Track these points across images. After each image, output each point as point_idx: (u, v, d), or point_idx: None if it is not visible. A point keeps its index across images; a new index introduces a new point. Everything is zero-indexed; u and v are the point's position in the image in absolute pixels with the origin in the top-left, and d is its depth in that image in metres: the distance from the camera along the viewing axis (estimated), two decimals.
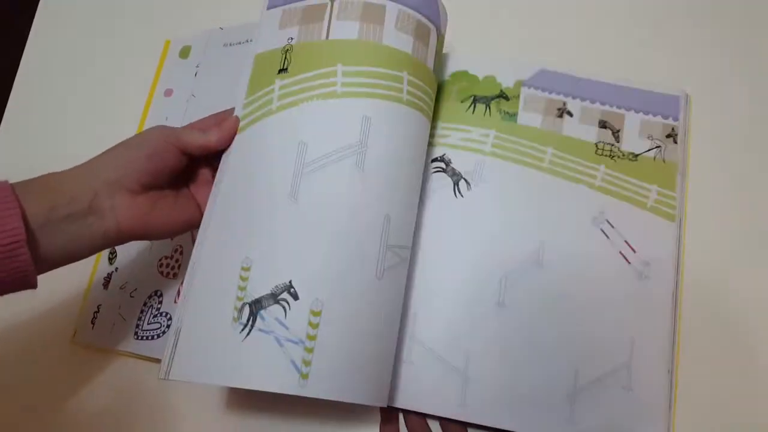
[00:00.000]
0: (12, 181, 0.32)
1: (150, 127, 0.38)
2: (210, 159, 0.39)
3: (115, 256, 0.48)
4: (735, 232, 0.39)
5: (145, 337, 0.43)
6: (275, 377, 0.31)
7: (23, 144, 0.57)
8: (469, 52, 0.45)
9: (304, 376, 0.31)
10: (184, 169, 0.38)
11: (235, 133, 0.37)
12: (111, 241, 0.35)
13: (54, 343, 0.48)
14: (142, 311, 0.44)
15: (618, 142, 0.41)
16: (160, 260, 0.45)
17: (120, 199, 0.34)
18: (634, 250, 0.38)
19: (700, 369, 0.37)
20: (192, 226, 0.38)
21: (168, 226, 0.37)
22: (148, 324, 0.44)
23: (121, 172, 0.34)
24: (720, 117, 0.41)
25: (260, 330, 0.32)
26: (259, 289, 0.33)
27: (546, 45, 0.46)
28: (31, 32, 0.62)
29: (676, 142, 0.40)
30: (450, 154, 0.42)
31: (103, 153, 0.36)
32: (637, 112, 0.41)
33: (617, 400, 0.35)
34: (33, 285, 0.32)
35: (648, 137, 0.41)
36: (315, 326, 0.32)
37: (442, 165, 0.42)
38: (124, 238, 0.35)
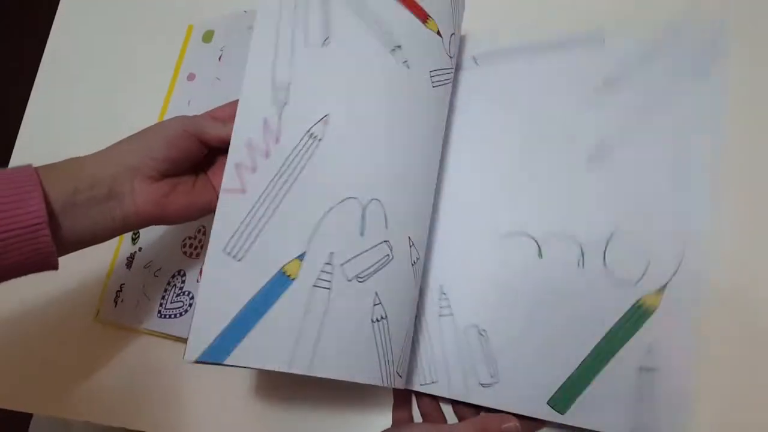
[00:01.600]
0: (36, 164, 0.33)
1: (171, 117, 0.38)
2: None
3: (138, 236, 0.49)
4: (763, 222, 0.38)
5: (168, 316, 0.44)
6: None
7: (47, 127, 0.58)
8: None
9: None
10: (203, 157, 0.38)
11: None
12: (130, 225, 0.36)
13: (77, 321, 0.49)
14: (165, 290, 0.45)
15: None
16: (183, 240, 0.46)
17: (139, 184, 0.35)
18: None
19: (725, 360, 0.35)
20: (209, 210, 0.38)
21: (185, 211, 0.37)
22: (171, 303, 0.44)
23: (141, 158, 0.35)
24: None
25: None
26: None
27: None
28: (56, 17, 0.63)
29: None
30: None
31: (125, 139, 0.36)
32: None
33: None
34: (54, 266, 0.33)
35: None
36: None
37: None
38: (142, 222, 0.36)
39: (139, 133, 0.37)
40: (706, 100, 0.36)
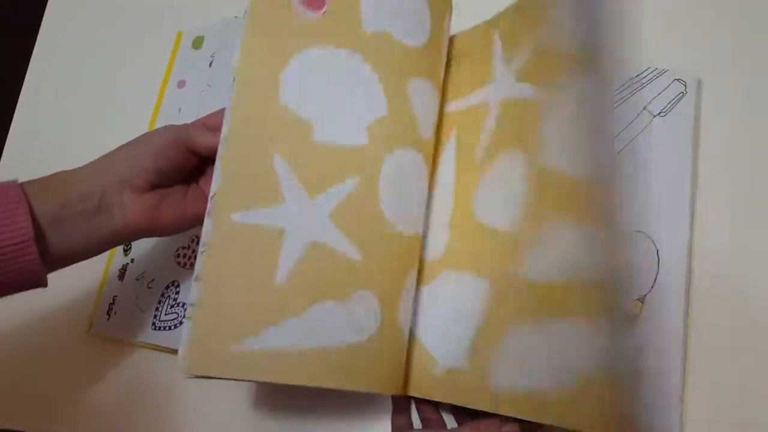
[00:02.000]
0: (23, 176, 0.33)
1: (160, 126, 0.38)
2: None
3: (131, 247, 0.48)
4: (748, 219, 0.38)
5: (162, 328, 0.43)
6: None
7: (35, 137, 0.58)
8: None
9: None
10: (194, 166, 0.38)
11: None
12: (120, 238, 0.35)
13: (70, 334, 0.48)
14: (159, 302, 0.44)
15: None
16: (177, 250, 0.45)
17: (128, 196, 0.34)
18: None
19: (714, 358, 0.36)
20: (200, 221, 0.37)
21: (177, 222, 0.37)
22: (165, 314, 0.44)
23: (130, 170, 0.34)
24: (731, 103, 0.40)
25: None
26: None
27: None
28: (41, 25, 0.62)
29: None
30: None
31: (113, 151, 0.36)
32: None
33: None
34: (43, 284, 0.33)
35: None
36: None
37: None
38: (132, 235, 0.36)
39: (127, 144, 0.36)
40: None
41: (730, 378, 0.36)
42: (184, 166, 0.37)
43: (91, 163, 0.35)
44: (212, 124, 0.38)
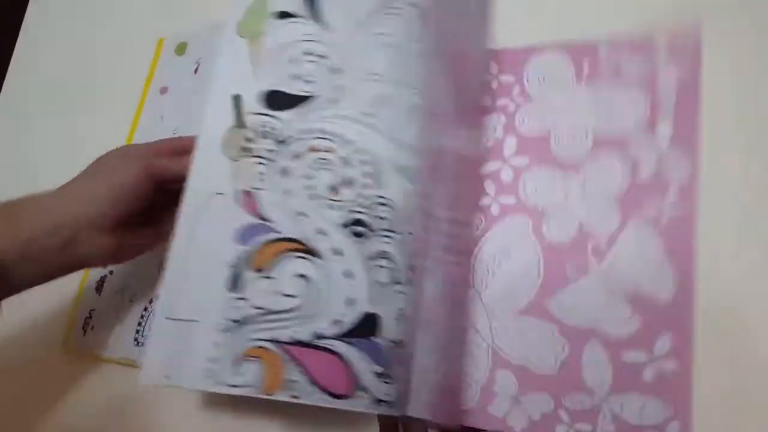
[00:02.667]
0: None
1: (125, 152, 0.36)
2: None
3: None
4: (750, 223, 0.37)
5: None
6: None
7: (13, 146, 0.55)
8: None
9: None
10: (163, 200, 0.37)
11: None
12: (89, 266, 0.36)
13: (43, 351, 0.46)
14: (142, 316, 0.42)
15: None
16: (161, 262, 0.43)
17: (97, 234, 0.34)
18: None
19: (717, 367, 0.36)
20: None
21: (148, 248, 0.37)
22: (149, 330, 0.42)
23: (96, 210, 0.34)
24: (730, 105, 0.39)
25: None
26: None
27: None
28: (20, 33, 0.60)
29: None
30: None
31: (81, 182, 0.35)
32: None
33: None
34: None
35: None
36: None
37: None
38: (102, 264, 0.37)
39: (94, 176, 0.35)
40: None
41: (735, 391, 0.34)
42: (151, 197, 0.36)
43: (59, 193, 0.35)
44: (182, 147, 0.36)
